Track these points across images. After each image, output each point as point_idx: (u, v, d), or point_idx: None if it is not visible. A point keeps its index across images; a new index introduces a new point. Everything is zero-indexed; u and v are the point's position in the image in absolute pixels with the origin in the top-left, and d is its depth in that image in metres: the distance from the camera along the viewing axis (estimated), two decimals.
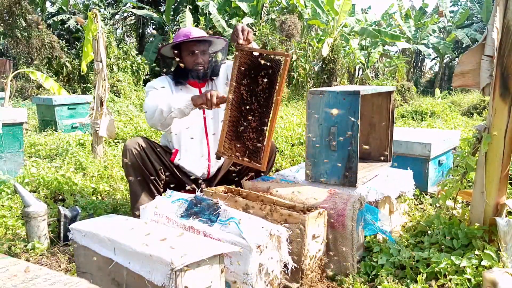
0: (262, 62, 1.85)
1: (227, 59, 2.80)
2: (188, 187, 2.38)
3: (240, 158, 1.98)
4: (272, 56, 1.86)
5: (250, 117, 1.91)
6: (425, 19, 18.64)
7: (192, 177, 2.45)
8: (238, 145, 1.97)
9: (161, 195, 2.26)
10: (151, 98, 2.26)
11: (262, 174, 2.51)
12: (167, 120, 2.17)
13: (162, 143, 2.50)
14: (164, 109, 2.12)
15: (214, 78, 2.43)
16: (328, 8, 12.41)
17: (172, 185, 2.36)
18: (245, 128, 1.94)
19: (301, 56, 12.87)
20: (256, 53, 1.89)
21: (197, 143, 2.40)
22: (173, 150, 2.42)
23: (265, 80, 1.86)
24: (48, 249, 2.23)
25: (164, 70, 2.47)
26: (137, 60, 12.39)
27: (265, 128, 1.89)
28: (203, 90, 2.42)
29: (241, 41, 1.89)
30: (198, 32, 2.37)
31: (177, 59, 2.35)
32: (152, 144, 2.33)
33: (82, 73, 8.73)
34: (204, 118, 2.40)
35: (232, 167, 2.49)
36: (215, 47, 2.50)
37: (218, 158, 2.08)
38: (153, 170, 2.29)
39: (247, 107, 1.92)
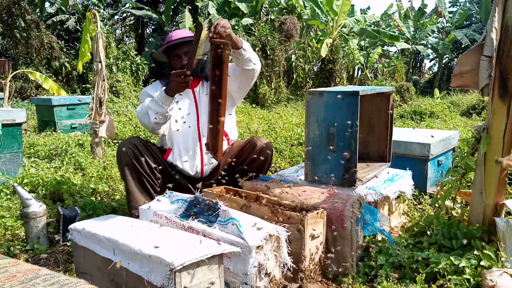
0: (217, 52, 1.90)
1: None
2: (192, 190, 2.37)
3: (210, 152, 2.05)
4: (219, 46, 1.92)
5: (214, 108, 1.98)
6: (424, 20, 18.69)
7: (186, 176, 2.45)
8: (210, 137, 2.04)
9: (158, 194, 2.26)
10: (140, 107, 2.30)
11: (261, 175, 2.50)
12: (157, 124, 2.24)
13: (159, 143, 2.50)
14: (151, 116, 2.20)
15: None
16: (327, 8, 12.42)
17: (168, 185, 2.35)
18: (211, 120, 2.00)
19: (300, 57, 12.89)
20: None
21: (190, 141, 2.39)
22: (167, 149, 2.42)
23: (218, 70, 1.92)
24: (47, 250, 2.23)
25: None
26: (136, 61, 12.39)
27: (220, 118, 1.96)
28: (196, 90, 2.42)
29: (210, 34, 1.91)
30: (180, 34, 2.37)
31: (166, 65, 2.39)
32: (146, 143, 2.33)
33: (79, 73, 8.71)
34: (197, 116, 2.40)
35: (231, 167, 2.48)
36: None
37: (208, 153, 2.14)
38: (148, 169, 2.28)
39: (215, 99, 1.98)
